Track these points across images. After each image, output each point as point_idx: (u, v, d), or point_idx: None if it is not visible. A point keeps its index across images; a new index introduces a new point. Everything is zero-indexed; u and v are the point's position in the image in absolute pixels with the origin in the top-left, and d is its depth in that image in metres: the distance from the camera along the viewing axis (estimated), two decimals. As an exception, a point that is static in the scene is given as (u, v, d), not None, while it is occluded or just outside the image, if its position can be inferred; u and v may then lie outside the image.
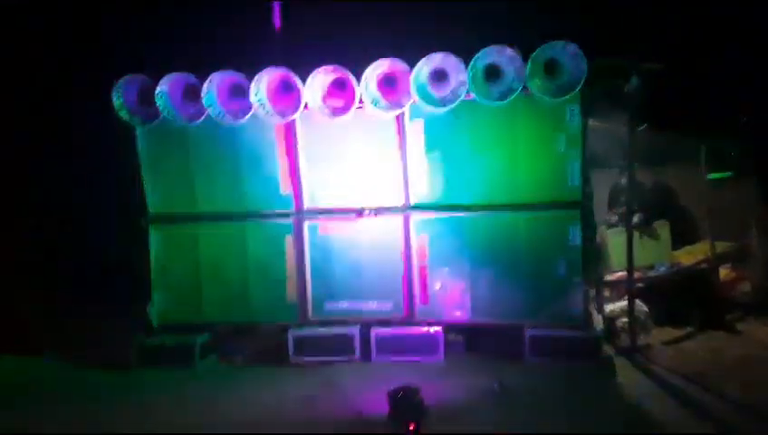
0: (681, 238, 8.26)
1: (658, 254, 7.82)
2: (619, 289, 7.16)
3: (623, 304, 6.98)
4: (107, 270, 7.27)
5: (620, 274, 7.20)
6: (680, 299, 7.21)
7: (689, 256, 8.08)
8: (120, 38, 6.94)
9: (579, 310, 5.97)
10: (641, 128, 6.58)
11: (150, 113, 6.32)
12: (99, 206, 7.26)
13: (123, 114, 6.33)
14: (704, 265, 7.57)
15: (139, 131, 6.55)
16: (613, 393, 5.33)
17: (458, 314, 6.27)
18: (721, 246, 7.69)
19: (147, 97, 6.27)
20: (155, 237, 6.66)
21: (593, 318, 6.13)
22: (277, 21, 6.79)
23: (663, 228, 8.06)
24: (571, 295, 5.98)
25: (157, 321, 6.64)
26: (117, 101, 6.28)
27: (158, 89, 6.13)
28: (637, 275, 6.87)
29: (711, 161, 7.39)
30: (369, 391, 5.46)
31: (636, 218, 7.95)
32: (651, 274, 7.47)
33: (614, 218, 8.36)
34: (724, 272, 7.71)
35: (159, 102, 6.15)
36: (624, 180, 8.34)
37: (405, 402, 4.65)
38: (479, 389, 5.38)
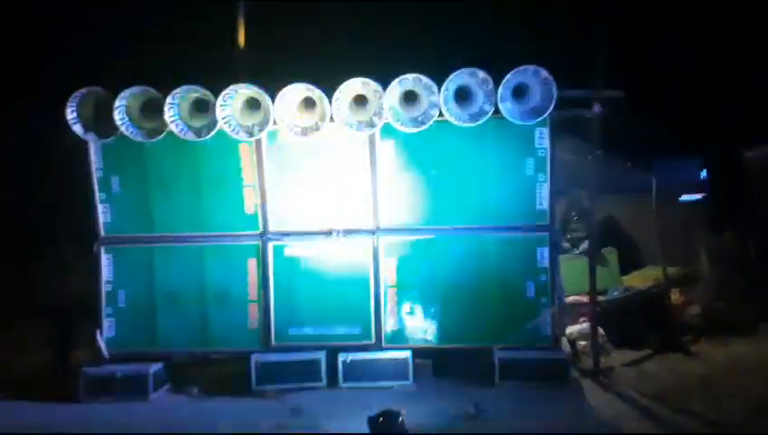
0: (627, 264, 8.59)
1: (609, 279, 8.06)
2: (573, 313, 7.28)
3: (580, 326, 7.14)
4: (54, 296, 6.71)
5: (573, 298, 7.37)
6: (635, 322, 7.39)
7: (639, 281, 8.36)
8: (77, 49, 6.57)
9: (548, 331, 5.99)
10: (596, 154, 6.77)
11: (106, 129, 5.99)
12: (47, 226, 6.76)
13: (77, 129, 5.96)
14: (655, 289, 7.83)
15: (92, 148, 6.19)
16: (585, 415, 5.33)
17: (427, 338, 6.17)
18: (670, 271, 8.00)
19: (103, 112, 5.94)
20: (106, 261, 6.26)
21: (563, 340, 6.17)
22: (241, 36, 6.64)
23: (611, 254, 8.35)
24: (539, 316, 6.01)
25: (107, 350, 6.19)
26: (71, 115, 5.91)
27: (117, 103, 5.83)
28: (586, 299, 7.06)
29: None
30: (340, 418, 5.26)
31: (584, 245, 8.22)
32: (605, 298, 7.64)
33: (565, 245, 8.59)
34: (673, 296, 8.00)
35: (118, 117, 5.84)
36: (573, 207, 8.69)
37: (387, 427, 4.47)
38: (453, 413, 5.26)
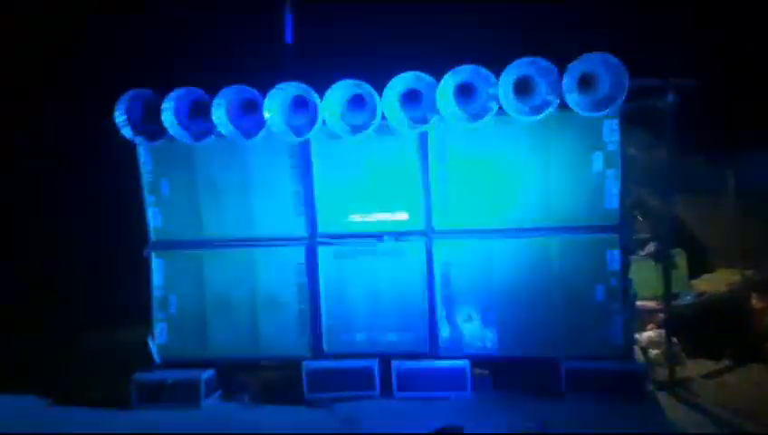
0: (696, 267, 7.96)
1: (678, 283, 7.44)
2: (640, 319, 6.77)
3: (650, 334, 6.64)
4: (106, 302, 6.70)
5: (639, 303, 6.82)
6: (712, 329, 6.81)
7: (710, 285, 7.74)
8: (125, 52, 6.52)
9: (620, 340, 5.53)
10: (667, 148, 6.27)
11: (155, 131, 5.89)
12: (97, 231, 6.74)
13: (126, 132, 5.89)
14: (734, 294, 7.22)
15: (141, 151, 6.11)
16: (666, 432, 4.87)
17: (486, 347, 5.81)
18: (748, 274, 7.37)
19: (152, 114, 5.85)
20: (157, 266, 6.17)
21: (635, 349, 5.70)
22: (289, 34, 6.44)
23: (680, 257, 7.75)
24: (611, 324, 5.55)
25: (158, 356, 6.10)
26: (120, 117, 5.85)
27: (165, 105, 5.72)
28: (655, 304, 6.53)
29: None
30: (396, 429, 5.03)
31: (651, 247, 7.67)
32: (678, 303, 7.08)
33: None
34: (753, 301, 7.36)
35: (165, 119, 5.72)
36: (637, 206, 8.12)
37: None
38: (518, 428, 4.90)
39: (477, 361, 5.85)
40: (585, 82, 5.41)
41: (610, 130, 5.50)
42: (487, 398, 5.68)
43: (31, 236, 7.08)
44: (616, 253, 5.56)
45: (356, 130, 5.65)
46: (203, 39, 6.46)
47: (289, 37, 6.44)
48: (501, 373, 5.91)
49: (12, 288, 7.31)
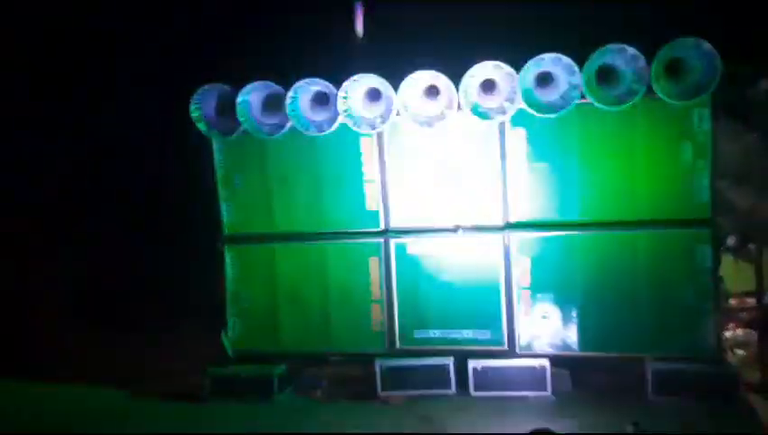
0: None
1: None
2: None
3: (737, 333, 6.29)
4: (180, 295, 6.76)
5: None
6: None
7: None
8: (196, 46, 6.55)
9: (711, 341, 5.26)
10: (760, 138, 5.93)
11: (229, 126, 5.90)
12: (171, 226, 6.81)
13: (201, 127, 5.92)
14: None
15: (215, 146, 6.14)
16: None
17: (567, 345, 5.60)
18: None
19: (226, 108, 5.86)
20: (230, 260, 6.19)
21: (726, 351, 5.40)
22: (359, 24, 6.36)
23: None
24: (701, 324, 5.27)
25: (231, 350, 6.12)
26: (195, 112, 5.87)
27: (240, 98, 5.72)
28: (736, 302, 6.15)
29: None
30: (475, 430, 4.88)
31: (731, 240, 7.30)
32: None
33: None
34: None
35: (240, 113, 5.72)
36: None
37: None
38: (608, 431, 4.68)
39: (556, 359, 5.64)
40: (672, 69, 5.16)
41: (700, 119, 5.22)
42: (569, 397, 5.48)
43: (102, 232, 7.21)
44: (707, 249, 5.28)
45: (431, 122, 5.53)
46: (274, 30, 6.42)
47: (360, 29, 6.36)
48: (581, 372, 5.68)
49: (83, 281, 7.48)
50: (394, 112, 5.54)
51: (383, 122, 5.61)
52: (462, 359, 5.69)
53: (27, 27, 7.02)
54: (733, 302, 6.43)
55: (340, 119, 5.61)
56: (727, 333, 6.27)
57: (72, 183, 7.39)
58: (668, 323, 5.35)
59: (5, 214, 7.26)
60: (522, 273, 5.67)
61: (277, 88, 5.73)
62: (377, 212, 5.93)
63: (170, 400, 5.91)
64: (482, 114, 5.43)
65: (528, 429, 4.17)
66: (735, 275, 5.98)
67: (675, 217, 5.34)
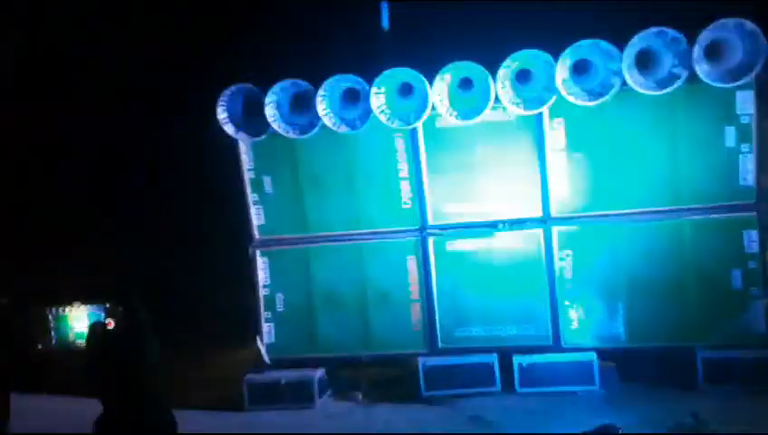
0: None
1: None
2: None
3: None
4: (211, 302, 6.62)
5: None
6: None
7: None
8: (221, 46, 6.42)
9: (762, 327, 5.16)
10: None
11: (257, 127, 5.77)
12: (199, 231, 6.67)
13: (229, 129, 5.78)
14: None
15: (243, 148, 6.00)
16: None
17: (615, 337, 5.50)
18: None
19: (253, 109, 5.72)
20: (262, 265, 6.05)
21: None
22: (386, 20, 6.24)
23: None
24: (751, 311, 5.19)
25: (269, 356, 5.98)
26: (222, 114, 5.73)
27: (268, 98, 5.59)
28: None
29: None
30: (527, 427, 4.76)
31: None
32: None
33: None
34: None
35: (270, 113, 5.59)
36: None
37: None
38: (668, 425, 4.56)
39: (603, 352, 5.54)
40: (714, 51, 5.06)
41: (744, 102, 5.13)
42: (618, 391, 5.38)
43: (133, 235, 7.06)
44: (753, 233, 5.19)
45: (468, 114, 5.42)
46: (299, 27, 6.29)
47: (385, 23, 6.24)
48: (628, 365, 5.57)
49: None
50: (429, 107, 5.42)
51: (417, 117, 5.49)
52: (507, 356, 5.59)
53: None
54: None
55: (374, 115, 5.48)
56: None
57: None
58: (717, 312, 5.27)
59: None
60: (564, 265, 5.58)
61: (306, 86, 5.61)
62: (413, 209, 5.82)
63: (210, 408, 5.74)
64: (519, 104, 5.32)
65: (589, 426, 4.05)
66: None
67: (720, 202, 5.25)
